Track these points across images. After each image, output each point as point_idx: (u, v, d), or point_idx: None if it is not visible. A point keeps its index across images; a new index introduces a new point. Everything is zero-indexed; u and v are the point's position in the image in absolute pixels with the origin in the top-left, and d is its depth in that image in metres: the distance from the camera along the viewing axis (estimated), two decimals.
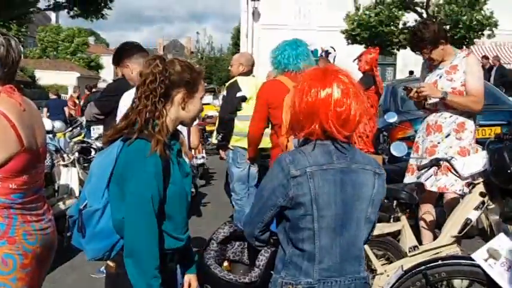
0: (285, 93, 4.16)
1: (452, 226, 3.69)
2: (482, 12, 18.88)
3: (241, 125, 5.33)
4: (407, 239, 3.85)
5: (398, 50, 20.78)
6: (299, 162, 1.99)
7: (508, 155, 3.41)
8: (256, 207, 2.11)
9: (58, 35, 46.62)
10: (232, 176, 5.60)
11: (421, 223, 4.30)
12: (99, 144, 6.35)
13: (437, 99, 4.27)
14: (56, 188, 5.82)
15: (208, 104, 15.86)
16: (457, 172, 3.75)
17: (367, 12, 19.69)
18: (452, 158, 3.92)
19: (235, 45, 43.02)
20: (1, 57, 2.42)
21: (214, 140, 8.15)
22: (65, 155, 6.32)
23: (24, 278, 2.46)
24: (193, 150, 8.66)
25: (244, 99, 5.50)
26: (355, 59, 6.95)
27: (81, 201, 2.25)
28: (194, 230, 2.52)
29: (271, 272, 2.16)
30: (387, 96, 8.15)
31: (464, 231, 3.68)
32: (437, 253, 3.64)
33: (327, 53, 7.38)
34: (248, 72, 5.79)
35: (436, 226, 4.38)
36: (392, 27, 19.80)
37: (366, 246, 2.25)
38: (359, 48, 13.77)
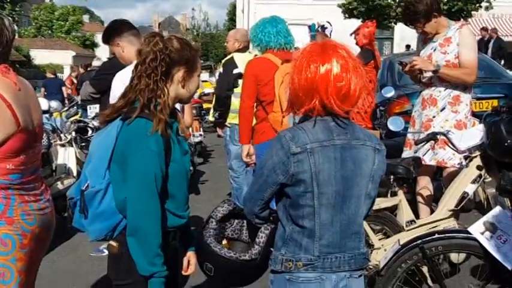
0: (274, 70, 4.23)
1: (449, 200, 3.71)
2: None
3: (238, 102, 5.31)
4: (404, 214, 3.87)
5: (395, 23, 20.66)
6: (299, 139, 1.98)
7: (505, 128, 3.41)
8: (256, 185, 2.10)
9: (52, 13, 46.23)
10: (230, 153, 5.60)
11: (418, 197, 4.32)
12: (96, 123, 6.33)
13: (432, 73, 4.25)
14: (54, 168, 5.82)
15: (205, 81, 15.80)
16: (454, 146, 3.75)
17: None
18: (449, 131, 3.92)
19: (231, 21, 42.72)
20: None
21: (211, 117, 8.13)
22: (61, 135, 6.31)
23: (23, 258, 2.48)
24: (190, 128, 8.68)
25: (240, 76, 5.45)
26: (352, 33, 6.89)
27: (82, 182, 2.24)
28: (193, 208, 2.52)
29: (271, 249, 2.16)
30: (384, 71, 8.10)
31: (461, 204, 3.71)
32: (434, 227, 3.67)
33: (323, 27, 7.31)
34: (244, 49, 5.74)
35: (433, 200, 4.40)
36: (389, 1, 19.66)
37: (364, 221, 2.27)
38: (356, 23, 13.64)
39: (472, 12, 20.18)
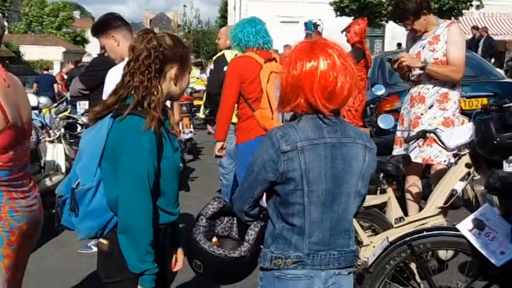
0: (258, 68, 4.33)
1: (438, 197, 3.73)
2: None
3: None
4: (393, 211, 3.89)
5: (387, 21, 20.70)
6: (290, 137, 1.98)
7: (494, 126, 3.43)
8: (246, 182, 2.10)
9: (43, 9, 45.95)
10: None
11: (407, 195, 4.33)
12: (85, 119, 6.31)
13: (421, 71, 4.26)
14: (42, 165, 5.79)
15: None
16: (443, 143, 3.77)
17: None
18: (437, 129, 3.93)
19: (223, 17, 42.59)
20: None
21: (201, 114, 8.13)
22: (50, 131, 6.29)
23: (11, 255, 2.46)
24: (180, 125, 8.67)
25: None
26: (343, 30, 6.90)
27: (72, 180, 2.23)
28: (183, 205, 2.52)
29: (261, 246, 2.16)
30: (375, 69, 8.13)
31: (450, 202, 3.72)
32: (423, 224, 3.68)
33: (316, 25, 7.33)
34: None
35: (422, 197, 4.42)
36: None
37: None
38: (348, 20, 13.67)
39: (463, 11, 20.26)
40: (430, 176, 4.56)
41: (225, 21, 34.80)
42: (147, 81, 2.18)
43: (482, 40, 16.04)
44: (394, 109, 6.75)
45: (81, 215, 2.20)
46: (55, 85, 15.39)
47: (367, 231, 3.94)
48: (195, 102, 10.76)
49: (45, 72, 16.44)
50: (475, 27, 17.31)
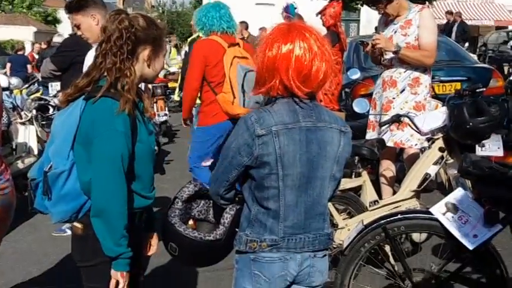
0: (222, 52, 4.37)
1: (412, 181, 3.77)
2: None
3: None
4: (368, 194, 3.93)
5: (362, 5, 20.71)
6: (264, 121, 1.97)
7: (467, 111, 3.47)
8: (221, 166, 2.09)
9: None
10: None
11: (381, 178, 4.37)
12: (57, 101, 6.18)
13: (393, 55, 4.28)
14: (14, 147, 5.70)
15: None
16: (417, 128, 3.80)
17: None
18: (410, 112, 3.97)
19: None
20: None
21: (176, 97, 8.06)
22: (22, 113, 6.17)
23: None
24: (155, 107, 8.58)
25: None
26: (318, 13, 6.87)
27: (45, 164, 2.19)
28: (158, 188, 2.50)
29: (236, 229, 2.17)
30: (350, 53, 8.15)
31: (423, 185, 3.77)
32: (397, 207, 3.73)
33: (293, 8, 7.27)
34: None
35: (396, 181, 4.46)
36: None
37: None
38: (323, 3, 13.62)
39: None
40: (403, 159, 4.61)
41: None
42: (120, 63, 2.14)
43: (456, 25, 16.19)
44: (369, 93, 6.77)
45: (54, 199, 2.17)
46: (28, 66, 15.10)
47: (342, 214, 3.98)
48: (170, 85, 10.64)
49: (19, 52, 16.06)
50: (449, 12, 17.45)
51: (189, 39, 5.96)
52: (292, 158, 1.99)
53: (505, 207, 2.77)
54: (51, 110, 6.42)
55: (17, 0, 43.83)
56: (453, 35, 15.30)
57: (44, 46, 15.74)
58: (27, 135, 5.87)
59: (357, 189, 4.08)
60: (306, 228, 2.06)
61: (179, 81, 5.99)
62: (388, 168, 4.38)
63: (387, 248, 3.25)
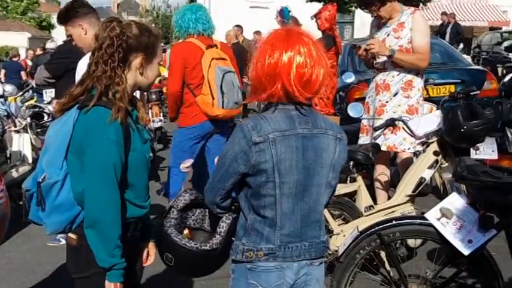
0: (200, 54, 4.44)
1: (407, 185, 3.77)
2: None
3: None
4: (363, 199, 3.92)
5: (356, 7, 20.74)
6: (261, 129, 1.97)
7: (461, 114, 3.47)
8: (217, 174, 2.08)
9: None
10: None
11: (376, 183, 4.37)
12: (51, 108, 6.16)
13: (385, 58, 4.28)
14: (8, 155, 5.68)
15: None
16: (411, 132, 3.80)
17: None
18: (403, 116, 3.97)
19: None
20: None
21: None
22: (16, 121, 6.14)
23: None
24: (150, 113, 8.56)
25: None
26: (313, 17, 6.86)
27: (39, 174, 2.18)
28: (153, 196, 2.48)
29: (233, 238, 2.15)
30: (345, 56, 8.13)
31: (418, 190, 3.77)
32: (392, 212, 3.72)
33: (287, 11, 7.26)
34: None
35: (391, 185, 4.46)
36: None
37: None
38: (318, 6, 13.66)
39: None
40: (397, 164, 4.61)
41: None
42: (111, 71, 2.13)
43: (450, 26, 16.22)
44: (363, 97, 6.77)
45: (48, 210, 2.16)
46: (22, 72, 15.06)
47: (337, 219, 3.97)
48: (165, 90, 10.62)
49: (14, 59, 16.05)
50: (444, 13, 17.48)
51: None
52: (289, 166, 1.98)
53: (500, 212, 2.77)
54: (45, 117, 6.39)
55: (11, 6, 43.76)
56: (447, 36, 15.32)
57: (39, 52, 15.70)
58: (21, 143, 5.84)
59: (352, 195, 4.08)
60: (302, 236, 2.06)
61: None
62: (382, 172, 4.38)
63: (382, 254, 3.24)
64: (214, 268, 2.43)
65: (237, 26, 10.81)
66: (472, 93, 3.83)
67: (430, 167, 3.72)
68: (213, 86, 4.38)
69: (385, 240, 2.88)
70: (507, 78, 5.32)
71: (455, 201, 2.83)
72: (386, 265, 3.16)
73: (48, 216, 2.18)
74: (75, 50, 4.03)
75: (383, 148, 4.24)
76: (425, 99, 4.92)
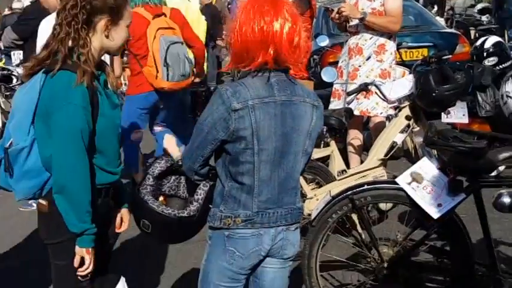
0: (146, 25, 4.32)
1: (379, 149, 3.81)
2: None
3: None
4: (336, 164, 3.96)
5: None
6: (240, 95, 1.94)
7: (433, 79, 3.49)
8: (196, 141, 2.06)
9: None
10: None
11: (349, 148, 4.41)
12: (20, 71, 6.03)
13: (358, 21, 4.26)
14: None
15: None
16: (384, 96, 3.82)
17: None
18: (376, 80, 3.98)
19: None
20: None
21: None
22: None
23: None
24: (122, 77, 8.40)
25: None
26: None
27: (5, 140, 2.14)
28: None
29: (210, 205, 2.15)
30: (319, 19, 8.05)
31: (391, 153, 3.81)
32: (365, 176, 3.77)
33: None
34: None
35: (364, 149, 4.50)
36: None
37: None
38: None
39: None
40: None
41: None
42: (74, 33, 2.08)
43: None
44: (338, 60, 6.76)
45: (16, 176, 2.14)
46: None
47: (310, 184, 4.00)
48: None
49: None
50: None
51: None
52: (268, 133, 1.97)
53: (469, 176, 2.82)
54: (14, 80, 6.26)
55: None
56: None
57: (6, 12, 15.20)
58: None
59: (325, 159, 4.11)
60: (279, 203, 2.07)
61: None
62: (355, 137, 4.41)
63: (354, 217, 3.29)
64: (191, 234, 2.44)
65: None
66: (444, 58, 3.84)
67: (402, 131, 3.76)
68: (157, 58, 4.28)
69: (356, 204, 2.91)
70: (479, 41, 5.34)
71: (425, 166, 2.87)
72: (358, 228, 3.21)
73: (17, 183, 2.15)
74: (42, 10, 3.94)
75: (356, 113, 4.26)
76: (398, 63, 4.92)
